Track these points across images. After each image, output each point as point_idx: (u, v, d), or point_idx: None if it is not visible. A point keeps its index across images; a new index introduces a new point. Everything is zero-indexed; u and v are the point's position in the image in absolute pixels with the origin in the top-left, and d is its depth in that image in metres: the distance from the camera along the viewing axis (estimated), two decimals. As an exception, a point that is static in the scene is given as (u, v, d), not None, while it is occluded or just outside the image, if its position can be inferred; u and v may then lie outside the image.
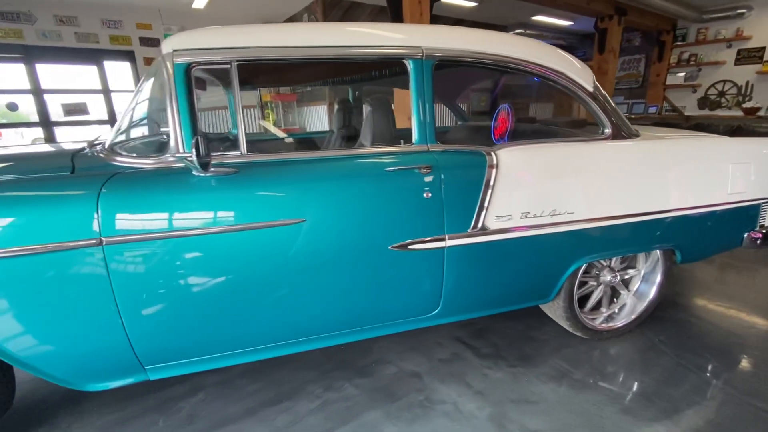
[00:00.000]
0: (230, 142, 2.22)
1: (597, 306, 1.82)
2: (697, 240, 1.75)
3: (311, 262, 1.29)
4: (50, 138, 5.30)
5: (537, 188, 1.45)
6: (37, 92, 5.05)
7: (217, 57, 1.24)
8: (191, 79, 1.22)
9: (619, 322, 1.83)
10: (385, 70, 1.87)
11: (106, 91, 5.57)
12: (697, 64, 6.28)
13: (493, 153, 1.41)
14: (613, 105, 1.64)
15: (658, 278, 1.80)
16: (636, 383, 1.53)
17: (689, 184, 1.64)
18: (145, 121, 1.57)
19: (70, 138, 5.60)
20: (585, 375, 1.58)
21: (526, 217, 1.46)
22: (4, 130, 5.10)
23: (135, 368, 1.27)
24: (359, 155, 1.38)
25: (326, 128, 6.09)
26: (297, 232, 1.25)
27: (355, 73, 2.21)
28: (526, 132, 1.84)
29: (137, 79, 5.74)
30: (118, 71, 5.62)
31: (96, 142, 1.52)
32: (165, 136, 1.27)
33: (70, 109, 5.39)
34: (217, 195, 1.19)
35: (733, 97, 6.02)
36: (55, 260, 1.09)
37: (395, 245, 1.35)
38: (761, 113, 5.61)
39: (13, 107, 5.02)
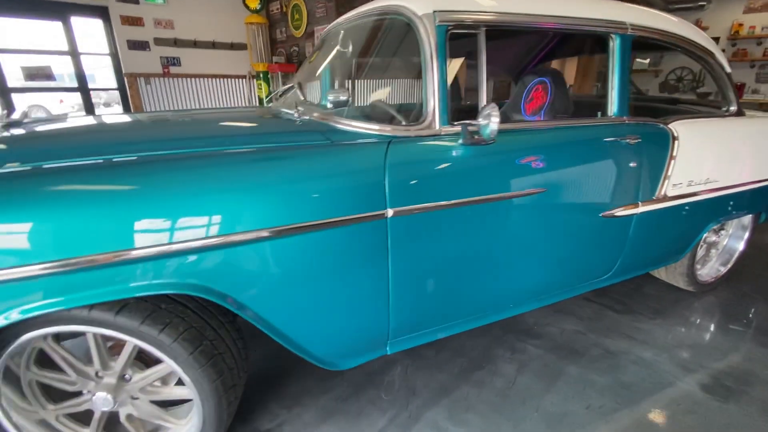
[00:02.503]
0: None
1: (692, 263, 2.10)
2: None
3: (544, 231, 1.34)
4: (8, 106, 4.48)
5: (700, 159, 1.63)
6: (-9, 52, 4.22)
7: (472, 21, 1.20)
8: (447, 44, 1.17)
9: (719, 273, 2.12)
10: (580, 43, 1.91)
11: (74, 53, 4.80)
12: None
13: (670, 126, 1.55)
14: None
15: (747, 234, 2.12)
16: (755, 310, 1.82)
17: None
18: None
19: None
20: (715, 319, 1.84)
21: (690, 185, 1.63)
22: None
23: (381, 343, 1.26)
24: (580, 126, 1.42)
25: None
26: (539, 202, 1.29)
27: (558, 46, 2.22)
28: (667, 108, 2.01)
29: (111, 40, 5.02)
30: (89, 30, 4.85)
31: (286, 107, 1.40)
32: (416, 104, 1.22)
33: (31, 73, 4.58)
34: (479, 164, 1.18)
35: (689, 83, 6.84)
36: (339, 234, 1.03)
37: (605, 213, 1.45)
38: (711, 98, 6.47)
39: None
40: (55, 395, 1.05)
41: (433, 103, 1.16)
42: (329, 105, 1.45)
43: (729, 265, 2.14)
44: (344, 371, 1.50)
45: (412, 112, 1.25)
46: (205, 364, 0.95)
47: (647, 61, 7.30)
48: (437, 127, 1.17)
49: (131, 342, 0.92)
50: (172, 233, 0.85)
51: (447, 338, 1.69)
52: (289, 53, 6.23)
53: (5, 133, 1.13)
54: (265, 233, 0.93)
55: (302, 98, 1.49)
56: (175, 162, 0.92)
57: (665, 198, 1.57)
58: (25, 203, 0.76)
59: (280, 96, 1.95)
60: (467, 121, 1.14)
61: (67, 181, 0.82)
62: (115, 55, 5.16)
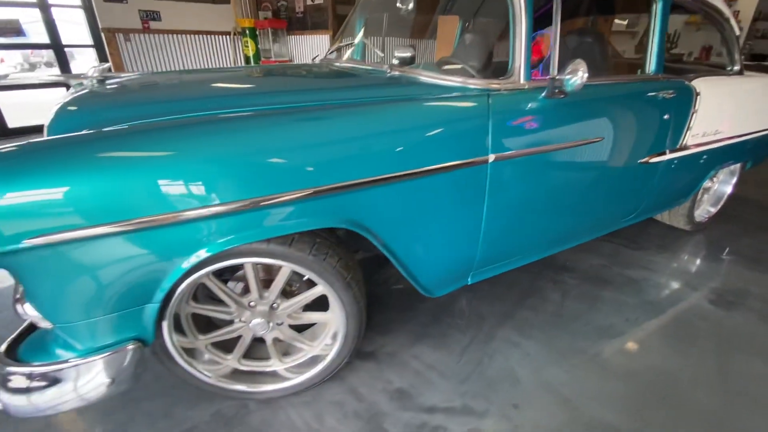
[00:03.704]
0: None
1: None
2: (763, 151, 2.42)
3: (599, 175, 1.56)
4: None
5: (715, 113, 1.88)
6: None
7: (552, -17, 1.32)
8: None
9: (710, 214, 2.47)
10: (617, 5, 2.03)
11: (43, 6, 4.38)
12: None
13: (693, 83, 1.77)
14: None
15: (735, 179, 2.46)
16: (741, 242, 2.19)
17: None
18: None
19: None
20: (710, 251, 2.19)
21: (704, 135, 1.89)
22: None
23: (466, 274, 1.46)
24: (630, 82, 1.61)
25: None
26: (598, 149, 1.49)
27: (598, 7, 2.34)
28: (673, 66, 2.23)
29: (86, -9, 4.60)
30: (59, -20, 4.42)
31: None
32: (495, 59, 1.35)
33: (-1, 28, 4.17)
34: (558, 115, 1.35)
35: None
36: (452, 177, 1.19)
37: (642, 159, 1.68)
38: (684, 58, 6.87)
39: None
40: (202, 327, 1.19)
41: (520, 59, 1.30)
42: (395, 62, 1.57)
43: (718, 207, 2.49)
44: (418, 304, 1.71)
45: (490, 68, 1.39)
46: (355, 288, 1.11)
47: (625, 22, 7.55)
48: (522, 81, 1.32)
49: (287, 268, 1.06)
50: (336, 174, 0.97)
51: (498, 274, 1.93)
52: (276, 8, 5.95)
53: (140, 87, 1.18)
54: (402, 175, 1.07)
55: (381, 55, 1.56)
56: (331, 111, 1.03)
57: (685, 147, 1.83)
58: (229, 145, 0.87)
59: (330, 54, 2.00)
60: (555, 76, 1.29)
61: (253, 128, 0.92)
62: (89, 8, 4.75)
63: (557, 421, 1.20)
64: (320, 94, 1.22)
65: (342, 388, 1.30)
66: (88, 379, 0.89)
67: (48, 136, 1.04)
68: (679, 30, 6.90)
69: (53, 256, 0.77)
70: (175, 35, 5.46)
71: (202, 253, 0.91)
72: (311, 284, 1.18)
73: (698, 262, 2.11)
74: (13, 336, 0.97)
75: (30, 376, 0.87)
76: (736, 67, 2.10)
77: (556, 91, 1.30)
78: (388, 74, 1.43)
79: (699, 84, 1.79)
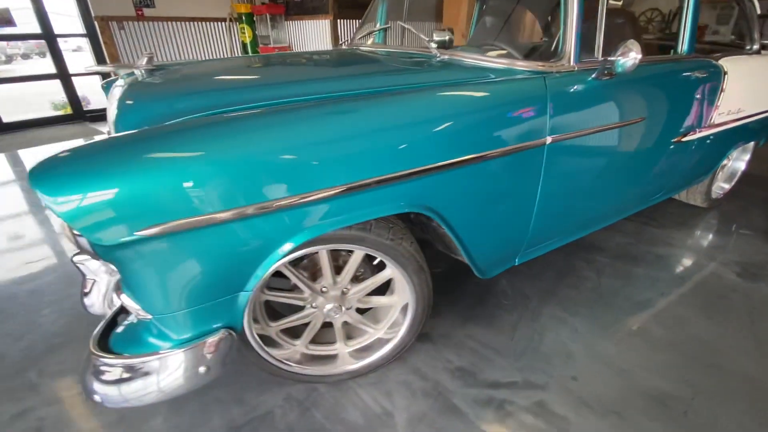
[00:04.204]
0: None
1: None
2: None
3: (641, 154, 1.60)
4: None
5: (739, 91, 1.92)
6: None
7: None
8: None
9: (724, 191, 2.54)
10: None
11: (34, -7, 4.20)
12: (634, -7, 7.25)
13: (721, 63, 1.81)
14: (758, 26, 2.14)
15: (748, 156, 2.53)
16: (756, 218, 2.28)
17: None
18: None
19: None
20: (728, 227, 2.28)
21: (729, 114, 1.94)
22: None
23: (514, 255, 1.50)
24: (670, 62, 1.65)
25: (321, 46, 5.62)
26: (640, 128, 1.53)
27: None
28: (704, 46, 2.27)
29: (76, -23, 4.42)
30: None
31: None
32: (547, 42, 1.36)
33: (-11, 18, 3.99)
34: (606, 96, 1.38)
35: (659, 24, 7.24)
36: (511, 160, 1.21)
37: (675, 138, 1.72)
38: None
39: None
40: (269, 314, 1.21)
41: (571, 43, 1.32)
42: (432, 45, 1.56)
43: (732, 183, 2.57)
44: (460, 287, 1.75)
45: (540, 50, 1.40)
46: (426, 271, 1.14)
47: (620, 2, 7.56)
48: (572, 63, 1.33)
49: (359, 253, 1.08)
50: (416, 159, 0.99)
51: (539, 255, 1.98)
52: (273, -7, 5.80)
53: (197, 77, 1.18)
54: (469, 159, 1.09)
55: (427, 39, 1.55)
56: (410, 96, 1.04)
57: (713, 125, 1.88)
58: (329, 130, 0.88)
59: (360, 38, 1.98)
60: (608, 58, 1.31)
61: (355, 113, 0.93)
62: (81, -5, 4.57)
63: (615, 391, 1.26)
64: (387, 79, 1.22)
65: (405, 369, 1.34)
66: (186, 367, 0.91)
67: (118, 130, 1.03)
68: (673, 10, 6.94)
69: (162, 247, 0.78)
70: (169, 22, 5.30)
71: (299, 239, 0.92)
72: (375, 269, 1.21)
73: (718, 237, 2.19)
74: (100, 328, 0.97)
75: (129, 368, 0.89)
76: (756, 46, 2.14)
77: (605, 72, 1.33)
78: (438, 58, 1.43)
79: (726, 63, 1.83)
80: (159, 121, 0.94)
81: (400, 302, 1.24)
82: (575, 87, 1.30)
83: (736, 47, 2.24)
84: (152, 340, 0.93)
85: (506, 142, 1.16)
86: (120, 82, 1.29)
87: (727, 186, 2.57)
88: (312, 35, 5.64)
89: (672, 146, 1.73)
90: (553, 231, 1.55)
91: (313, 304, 1.16)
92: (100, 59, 4.90)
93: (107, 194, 0.69)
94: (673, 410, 1.20)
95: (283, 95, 1.02)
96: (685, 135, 1.75)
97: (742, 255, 2.01)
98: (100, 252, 0.80)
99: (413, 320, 1.23)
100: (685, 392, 1.26)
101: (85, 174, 0.70)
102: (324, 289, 1.15)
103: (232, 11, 5.69)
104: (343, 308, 1.18)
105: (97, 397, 0.89)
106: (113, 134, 1.06)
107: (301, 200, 0.86)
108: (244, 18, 5.65)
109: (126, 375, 0.89)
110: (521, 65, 1.32)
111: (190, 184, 0.74)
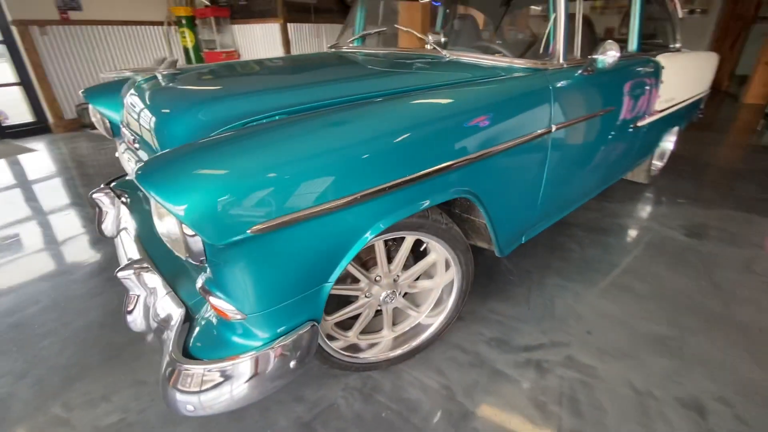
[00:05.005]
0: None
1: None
2: (692, 113, 2.99)
3: (611, 138, 1.86)
4: None
5: (672, 83, 2.30)
6: None
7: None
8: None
9: (658, 168, 2.99)
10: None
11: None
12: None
13: (658, 58, 2.16)
14: (677, 28, 2.57)
15: (675, 138, 3.00)
16: (687, 188, 2.72)
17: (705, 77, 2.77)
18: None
19: None
20: (667, 197, 2.69)
21: (666, 102, 2.31)
22: None
23: (522, 234, 1.67)
24: (629, 56, 1.93)
25: (272, 51, 5.50)
26: (611, 117, 1.78)
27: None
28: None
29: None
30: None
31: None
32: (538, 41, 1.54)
33: None
34: (589, 89, 1.60)
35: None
36: (528, 147, 1.37)
37: (633, 124, 2.02)
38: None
39: None
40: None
41: (560, 43, 1.52)
42: (429, 46, 1.70)
43: (664, 161, 3.03)
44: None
45: (531, 49, 1.59)
46: (471, 252, 1.25)
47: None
48: (561, 61, 1.53)
49: (411, 239, 1.17)
50: (466, 148, 1.10)
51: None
52: (214, -4, 5.56)
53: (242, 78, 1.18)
54: (503, 147, 1.22)
55: (435, 41, 1.66)
56: (457, 91, 1.15)
57: (656, 112, 2.22)
58: (398, 124, 0.95)
59: (352, 41, 2.05)
60: (594, 56, 1.52)
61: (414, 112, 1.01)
62: (-9, -3, 4.04)
63: (623, 339, 1.48)
64: (423, 78, 1.32)
65: (445, 346, 1.44)
66: (279, 364, 0.92)
67: (163, 138, 1.00)
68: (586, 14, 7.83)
69: (266, 244, 0.80)
70: (99, 26, 4.87)
71: (377, 228, 0.98)
72: (418, 255, 1.30)
73: (662, 207, 2.58)
74: (174, 337, 0.95)
75: (223, 372, 0.88)
76: (678, 45, 2.56)
77: (588, 68, 1.54)
78: (447, 58, 1.55)
79: (662, 59, 2.18)
80: (214, 127, 0.94)
81: (442, 284, 1.34)
82: (567, 81, 1.50)
83: (662, 46, 2.66)
84: (238, 340, 0.93)
85: (527, 130, 1.31)
86: (138, 87, 1.24)
87: (660, 163, 3.03)
88: (261, 39, 5.50)
89: (631, 130, 2.03)
90: (553, 208, 1.74)
91: (367, 294, 1.22)
92: (20, 68, 4.36)
93: (228, 193, 0.71)
94: (672, 347, 1.44)
95: (338, 95, 1.08)
96: (639, 120, 2.06)
97: (684, 219, 2.40)
98: (209, 253, 0.79)
99: (458, 297, 1.34)
100: (675, 332, 1.51)
101: (206, 175, 0.71)
102: (378, 278, 1.21)
103: (169, 15, 5.37)
104: (397, 294, 1.25)
105: (189, 407, 0.88)
106: (155, 144, 1.03)
107: (381, 190, 0.93)
108: (184, 22, 5.36)
109: (220, 379, 0.89)
110: (520, 63, 1.49)
111: (300, 179, 0.78)
